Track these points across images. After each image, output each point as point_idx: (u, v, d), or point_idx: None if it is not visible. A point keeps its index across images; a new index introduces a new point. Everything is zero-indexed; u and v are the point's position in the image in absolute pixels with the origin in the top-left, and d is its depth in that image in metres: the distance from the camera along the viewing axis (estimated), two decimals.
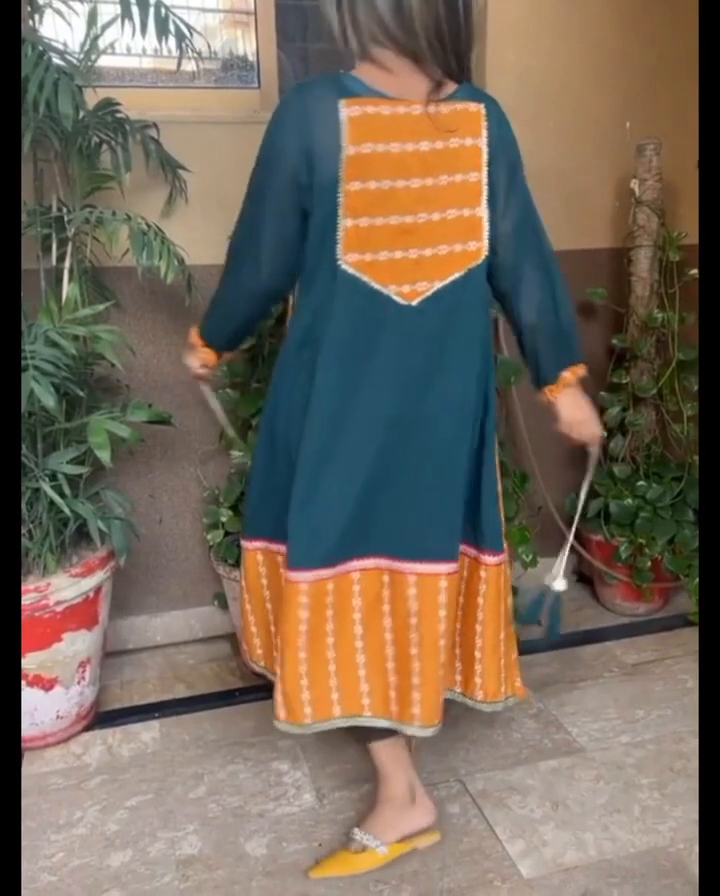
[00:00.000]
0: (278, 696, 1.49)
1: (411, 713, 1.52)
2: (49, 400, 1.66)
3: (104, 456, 1.78)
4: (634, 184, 2.46)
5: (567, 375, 1.52)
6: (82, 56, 1.85)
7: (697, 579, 2.40)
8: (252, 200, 1.42)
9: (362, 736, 1.63)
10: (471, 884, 1.61)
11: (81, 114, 1.79)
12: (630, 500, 2.50)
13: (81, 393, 1.88)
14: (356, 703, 1.52)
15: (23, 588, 1.84)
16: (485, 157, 1.39)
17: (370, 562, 1.48)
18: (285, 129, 1.34)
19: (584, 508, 2.55)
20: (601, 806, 1.81)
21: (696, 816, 1.76)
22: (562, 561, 1.75)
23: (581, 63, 2.45)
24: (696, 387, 2.48)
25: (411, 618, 1.49)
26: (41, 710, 1.97)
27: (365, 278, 1.35)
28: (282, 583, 1.47)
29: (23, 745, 2.00)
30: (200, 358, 1.66)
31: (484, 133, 1.39)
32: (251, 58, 2.37)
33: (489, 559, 1.54)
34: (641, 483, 2.51)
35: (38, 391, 1.65)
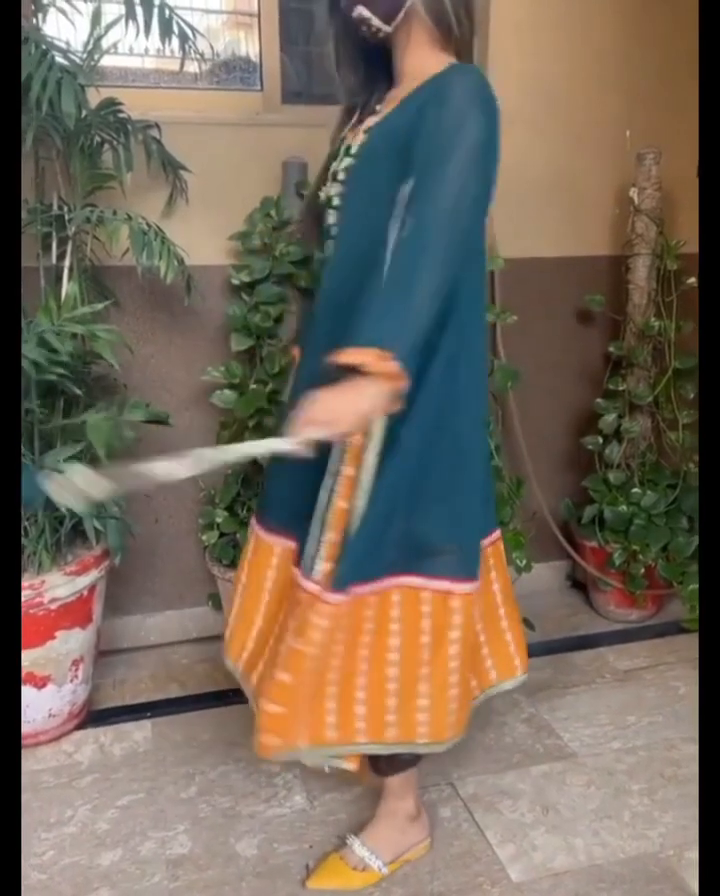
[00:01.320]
0: (450, 724, 1.46)
1: (514, 665, 1.61)
2: None
3: (102, 453, 1.78)
4: (633, 192, 2.47)
5: None
6: (85, 55, 1.85)
7: (691, 586, 2.41)
8: (485, 191, 1.27)
9: (389, 768, 1.60)
10: (461, 888, 1.61)
11: (83, 113, 1.79)
12: (625, 507, 2.50)
13: (78, 392, 1.88)
14: (469, 691, 1.57)
15: None
16: None
17: None
18: (498, 119, 1.26)
19: (579, 514, 2.59)
20: (592, 811, 1.81)
21: (686, 823, 1.77)
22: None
23: (583, 70, 2.46)
24: (692, 395, 2.49)
25: (494, 584, 1.58)
26: (33, 708, 1.97)
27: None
28: (458, 604, 1.41)
29: None
30: (390, 398, 1.18)
31: None
32: (254, 60, 2.38)
33: None
34: (636, 490, 2.52)
35: None
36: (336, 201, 1.41)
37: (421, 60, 1.33)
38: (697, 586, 2.43)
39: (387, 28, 1.31)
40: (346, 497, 1.34)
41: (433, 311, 1.20)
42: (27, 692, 1.94)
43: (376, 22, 1.31)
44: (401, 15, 1.30)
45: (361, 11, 1.30)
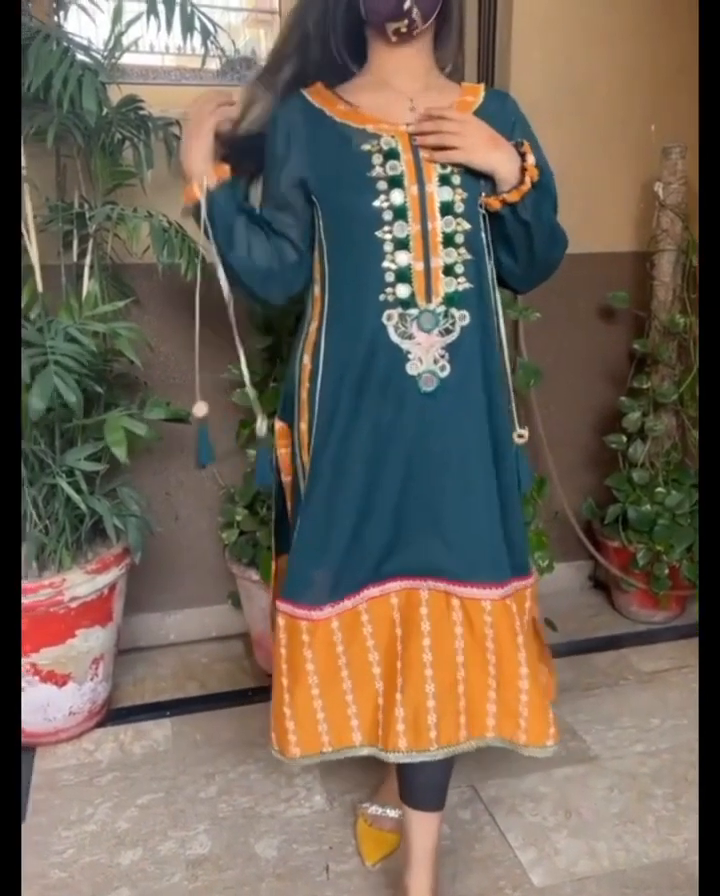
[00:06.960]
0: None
1: None
2: (71, 396, 1.66)
3: (120, 453, 1.78)
4: (658, 187, 2.43)
5: None
6: (106, 53, 1.85)
7: None
8: None
9: None
10: (482, 891, 1.60)
11: (104, 111, 1.78)
12: (649, 506, 2.47)
13: (100, 390, 1.88)
14: None
15: (38, 584, 1.85)
16: None
17: None
18: None
19: (602, 514, 2.56)
20: (615, 815, 1.79)
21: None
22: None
23: (608, 64, 2.43)
24: None
25: None
26: (54, 706, 1.97)
27: None
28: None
29: (35, 741, 2.00)
30: (512, 174, 1.31)
31: None
32: None
33: None
34: (660, 489, 2.49)
35: (60, 388, 1.64)
36: (446, 200, 1.32)
37: (431, 60, 1.36)
38: None
39: (423, 26, 1.29)
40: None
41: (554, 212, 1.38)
42: (47, 690, 1.94)
43: (416, 15, 1.27)
44: (436, 13, 1.30)
45: (412, 8, 1.26)
